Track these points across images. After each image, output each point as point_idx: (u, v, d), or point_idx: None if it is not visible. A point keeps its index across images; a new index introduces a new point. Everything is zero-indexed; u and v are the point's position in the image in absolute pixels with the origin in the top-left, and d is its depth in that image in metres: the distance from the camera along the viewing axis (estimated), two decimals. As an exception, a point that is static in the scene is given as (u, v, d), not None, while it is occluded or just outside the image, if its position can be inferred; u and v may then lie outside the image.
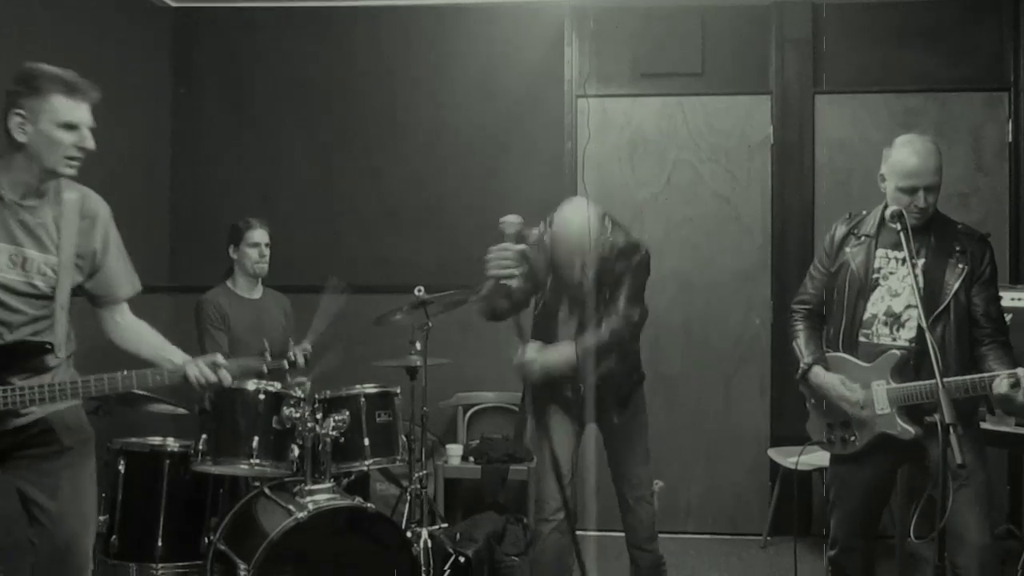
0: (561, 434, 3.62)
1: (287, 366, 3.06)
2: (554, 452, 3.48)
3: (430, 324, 4.30)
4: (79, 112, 2.67)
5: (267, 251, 4.51)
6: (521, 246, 3.18)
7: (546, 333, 3.58)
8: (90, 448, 2.89)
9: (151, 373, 2.75)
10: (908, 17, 5.34)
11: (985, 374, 2.98)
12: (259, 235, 4.49)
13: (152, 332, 2.93)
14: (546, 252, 3.49)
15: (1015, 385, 2.90)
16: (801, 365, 3.35)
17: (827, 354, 3.33)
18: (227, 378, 2.79)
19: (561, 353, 3.46)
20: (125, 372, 2.72)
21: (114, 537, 3.74)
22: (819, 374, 3.29)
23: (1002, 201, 5.29)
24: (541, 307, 3.62)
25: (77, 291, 2.82)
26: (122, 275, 2.91)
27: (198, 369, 2.75)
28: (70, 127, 2.64)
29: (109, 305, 2.90)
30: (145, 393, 3.68)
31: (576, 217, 3.41)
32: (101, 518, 3.76)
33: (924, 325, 2.89)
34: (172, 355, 2.84)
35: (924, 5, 5.33)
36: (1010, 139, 5.28)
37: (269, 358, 2.99)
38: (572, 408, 3.61)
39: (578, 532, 3.79)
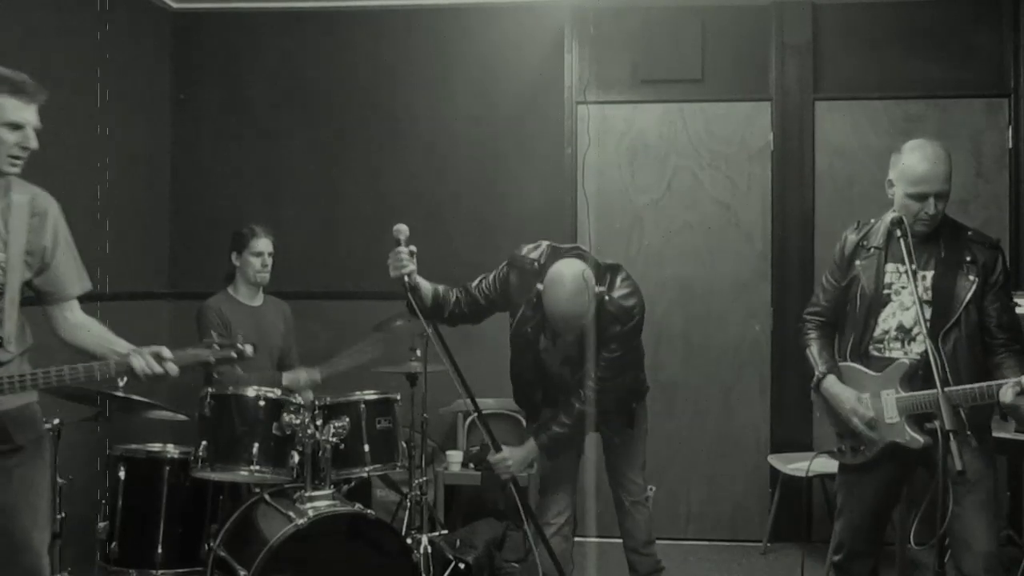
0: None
1: (235, 356, 2.97)
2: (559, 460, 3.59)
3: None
4: (25, 113, 2.69)
5: (270, 261, 4.48)
6: (412, 247, 3.42)
7: (525, 353, 3.62)
8: (44, 446, 2.90)
9: (98, 367, 2.75)
10: (908, 23, 5.34)
11: (992, 383, 2.96)
12: (263, 244, 4.47)
13: (100, 328, 2.93)
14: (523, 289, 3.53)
15: (1021, 393, 2.87)
16: (816, 373, 3.33)
17: (839, 364, 3.32)
18: (173, 369, 2.78)
19: (528, 450, 3.60)
20: (72, 366, 2.73)
21: (114, 543, 3.74)
22: (834, 384, 3.27)
23: (1002, 207, 5.29)
24: (516, 327, 3.62)
25: (27, 289, 2.82)
26: (72, 272, 2.91)
27: (143, 361, 2.74)
28: (15, 127, 2.67)
29: (59, 303, 2.90)
30: (145, 399, 3.69)
31: (569, 287, 3.33)
32: (101, 524, 3.78)
33: (925, 332, 2.89)
34: (119, 348, 2.84)
35: (924, 11, 5.33)
36: (1010, 145, 5.28)
37: (217, 348, 2.92)
38: None
39: (577, 538, 3.80)
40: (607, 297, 3.44)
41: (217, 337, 2.94)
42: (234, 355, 2.93)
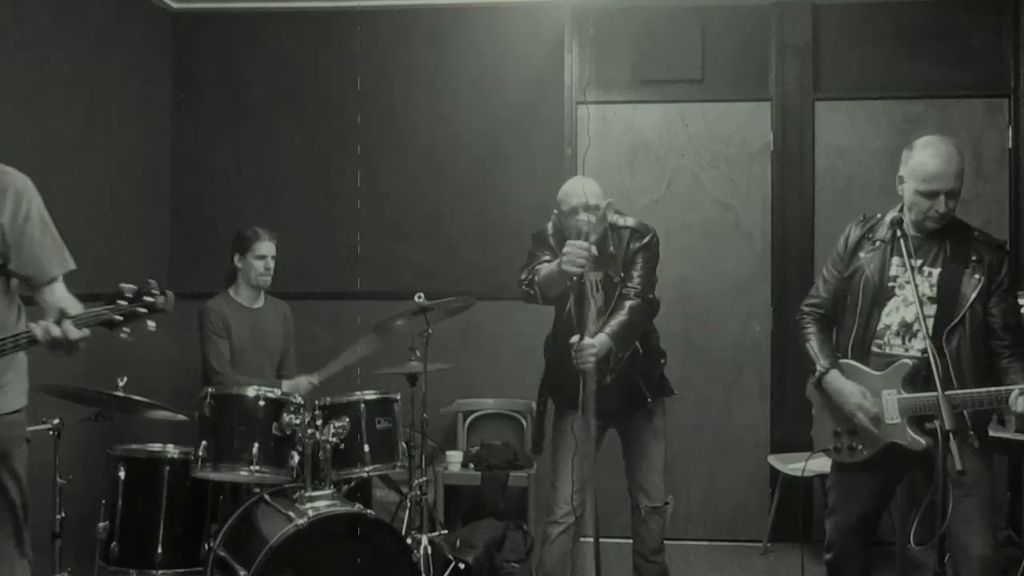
0: (581, 439, 3.61)
1: (145, 311, 2.59)
2: (572, 456, 3.58)
3: (430, 331, 4.30)
4: None
5: (272, 264, 4.46)
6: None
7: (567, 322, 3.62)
8: (11, 457, 2.78)
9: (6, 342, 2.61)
10: (908, 23, 5.34)
11: (1001, 388, 2.94)
12: (266, 247, 4.45)
13: (76, 304, 2.73)
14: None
15: None
16: (817, 368, 3.27)
17: (840, 360, 3.28)
18: (72, 331, 2.52)
19: (602, 341, 3.48)
20: None
21: (114, 543, 3.73)
22: (837, 379, 3.22)
23: (1002, 207, 5.28)
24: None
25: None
26: (49, 251, 2.76)
27: (41, 329, 2.54)
28: None
29: (41, 287, 2.76)
30: (145, 400, 3.69)
31: (578, 180, 3.74)
32: (101, 524, 3.78)
33: (928, 333, 2.89)
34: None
35: (924, 11, 5.33)
36: (1010, 145, 5.28)
37: (124, 303, 2.57)
38: (593, 410, 3.58)
39: (579, 538, 3.79)
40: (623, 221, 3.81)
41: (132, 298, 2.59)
42: (142, 310, 2.59)
